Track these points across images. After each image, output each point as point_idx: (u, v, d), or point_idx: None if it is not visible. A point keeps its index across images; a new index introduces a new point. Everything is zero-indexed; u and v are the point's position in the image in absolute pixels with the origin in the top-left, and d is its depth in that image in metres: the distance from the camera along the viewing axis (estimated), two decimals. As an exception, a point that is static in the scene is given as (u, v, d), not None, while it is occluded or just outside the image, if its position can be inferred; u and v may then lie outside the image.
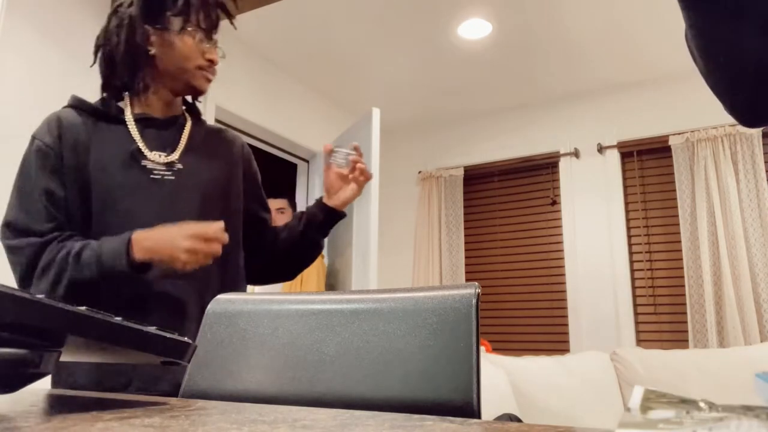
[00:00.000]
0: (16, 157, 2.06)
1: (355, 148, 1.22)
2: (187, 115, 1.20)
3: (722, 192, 3.16)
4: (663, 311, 3.32)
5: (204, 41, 1.13)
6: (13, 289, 0.34)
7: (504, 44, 3.13)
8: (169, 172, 1.08)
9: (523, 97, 3.82)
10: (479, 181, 4.04)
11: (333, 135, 3.77)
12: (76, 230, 1.02)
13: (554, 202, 3.74)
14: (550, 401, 2.12)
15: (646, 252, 3.41)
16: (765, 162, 3.15)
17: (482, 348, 2.92)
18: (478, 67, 3.40)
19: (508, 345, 3.70)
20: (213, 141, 1.20)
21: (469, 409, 0.53)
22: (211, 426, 0.34)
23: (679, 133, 3.35)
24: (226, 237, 0.98)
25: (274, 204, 3.02)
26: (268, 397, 0.62)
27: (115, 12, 1.13)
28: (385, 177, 4.36)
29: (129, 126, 1.09)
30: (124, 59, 1.10)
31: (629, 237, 3.48)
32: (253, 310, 0.70)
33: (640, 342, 3.34)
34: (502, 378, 2.06)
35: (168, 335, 0.44)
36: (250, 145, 2.40)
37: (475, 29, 2.98)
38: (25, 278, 1.00)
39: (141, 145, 1.07)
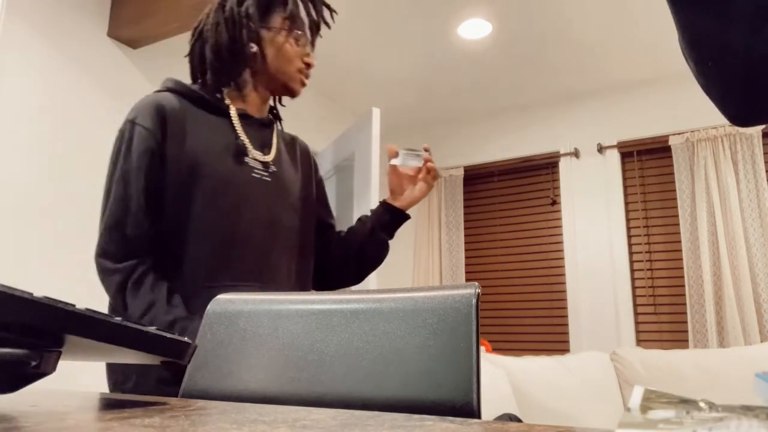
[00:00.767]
0: (17, 158, 2.06)
1: (426, 149, 1.23)
2: (272, 118, 1.22)
3: (722, 192, 3.16)
4: (663, 311, 3.32)
5: (307, 45, 1.15)
6: (13, 289, 0.34)
7: (504, 44, 3.14)
8: (266, 173, 1.10)
9: (523, 97, 3.82)
10: (479, 181, 4.04)
11: (333, 135, 3.77)
12: (169, 225, 0.99)
13: (554, 202, 3.74)
14: (550, 401, 2.12)
15: (646, 252, 3.41)
16: (765, 162, 3.15)
17: (482, 348, 2.92)
18: (478, 67, 3.40)
19: (508, 345, 3.70)
20: (292, 148, 1.22)
21: (469, 409, 0.53)
22: (211, 426, 0.34)
23: (679, 133, 3.35)
24: None
25: None
26: (268, 397, 0.62)
27: (221, 6, 1.10)
28: (385, 177, 4.36)
29: (234, 120, 1.09)
30: (230, 54, 1.09)
31: (629, 237, 3.48)
32: (253, 310, 0.70)
33: (640, 342, 3.34)
34: (502, 378, 2.06)
35: (168, 335, 0.44)
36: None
37: (475, 29, 2.98)
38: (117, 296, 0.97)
39: (245, 140, 1.08)
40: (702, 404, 0.27)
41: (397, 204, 1.23)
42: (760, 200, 3.08)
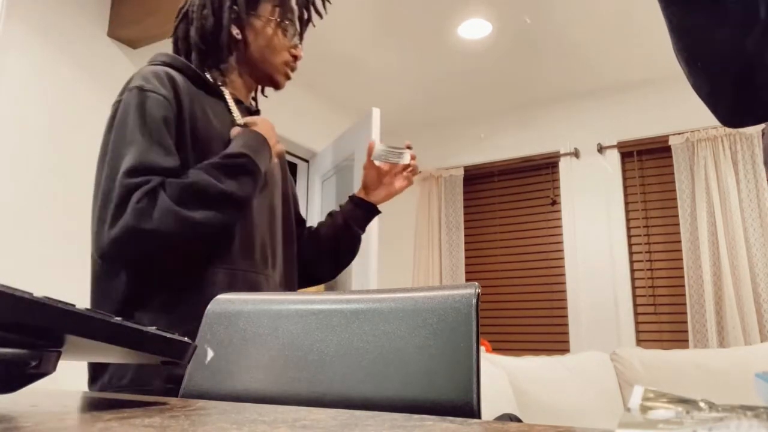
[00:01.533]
0: (17, 157, 2.06)
1: (408, 147, 1.23)
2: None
3: (722, 192, 3.16)
4: (663, 311, 3.32)
5: (295, 36, 1.12)
6: (13, 289, 0.34)
7: (504, 44, 3.13)
8: None
9: (523, 97, 3.82)
10: (479, 181, 4.04)
11: (333, 135, 3.77)
12: None
13: (554, 202, 3.74)
14: (550, 401, 2.12)
15: (646, 252, 3.41)
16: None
17: (482, 348, 2.92)
18: (478, 67, 3.40)
19: (508, 345, 3.70)
20: None
21: (469, 409, 0.53)
22: (211, 426, 0.34)
23: (679, 133, 3.35)
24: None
25: None
26: (268, 397, 0.62)
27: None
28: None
29: (229, 103, 1.07)
30: (214, 38, 1.06)
31: (629, 237, 3.48)
32: (253, 310, 0.70)
33: (640, 342, 3.34)
34: (502, 378, 2.06)
35: (168, 335, 0.44)
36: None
37: (475, 29, 2.98)
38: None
39: (242, 123, 1.06)
40: (702, 404, 0.27)
41: (371, 199, 1.23)
42: (760, 200, 3.08)
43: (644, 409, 0.27)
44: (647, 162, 3.51)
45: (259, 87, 1.19)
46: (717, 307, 3.07)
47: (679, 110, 3.40)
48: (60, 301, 0.36)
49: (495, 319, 3.79)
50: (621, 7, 2.79)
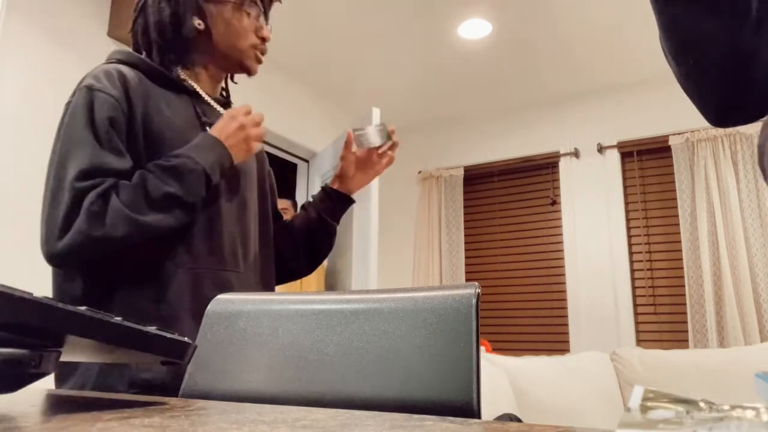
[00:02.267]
0: (17, 158, 2.06)
1: (383, 126, 1.18)
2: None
3: (722, 192, 3.16)
4: (663, 311, 3.32)
5: (260, 17, 1.07)
6: (13, 289, 0.34)
7: (504, 44, 3.13)
8: None
9: (523, 97, 3.82)
10: (479, 181, 4.04)
11: (333, 135, 3.77)
12: None
13: (554, 202, 3.74)
14: (550, 401, 2.12)
15: (646, 252, 3.41)
16: (765, 162, 3.15)
17: (482, 348, 2.92)
18: (478, 67, 3.40)
19: (508, 345, 3.70)
20: None
21: (469, 409, 0.53)
22: (211, 426, 0.34)
23: (679, 133, 3.35)
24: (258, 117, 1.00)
25: (279, 204, 3.02)
26: (268, 397, 0.62)
27: None
28: (385, 177, 4.36)
29: (203, 96, 1.04)
30: (173, 31, 1.01)
31: (629, 237, 3.48)
32: (253, 310, 0.70)
33: (640, 342, 3.34)
34: (502, 378, 2.06)
35: (168, 335, 0.44)
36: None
37: (475, 29, 2.98)
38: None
39: (206, 119, 1.02)
40: (702, 404, 0.27)
41: (350, 187, 1.19)
42: (760, 200, 3.08)
43: (644, 409, 0.27)
44: (647, 162, 3.51)
45: (229, 75, 1.15)
46: (717, 307, 3.07)
47: (679, 110, 3.40)
48: (60, 301, 0.36)
49: (495, 319, 3.79)
50: (621, 8, 2.79)
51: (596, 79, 3.54)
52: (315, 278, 2.92)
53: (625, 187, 3.55)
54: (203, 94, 1.04)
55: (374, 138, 1.17)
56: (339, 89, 3.68)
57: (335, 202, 1.18)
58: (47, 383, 1.53)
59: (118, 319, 0.40)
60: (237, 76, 1.19)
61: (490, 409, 1.81)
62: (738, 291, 3.02)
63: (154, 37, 1.01)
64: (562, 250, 3.65)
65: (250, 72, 1.08)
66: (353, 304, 0.65)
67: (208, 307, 0.73)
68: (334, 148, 3.09)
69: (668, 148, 3.41)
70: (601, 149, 3.59)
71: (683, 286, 3.26)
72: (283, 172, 4.14)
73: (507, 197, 3.92)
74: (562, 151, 3.74)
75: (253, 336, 0.67)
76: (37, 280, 2.08)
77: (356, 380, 0.59)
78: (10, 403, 0.44)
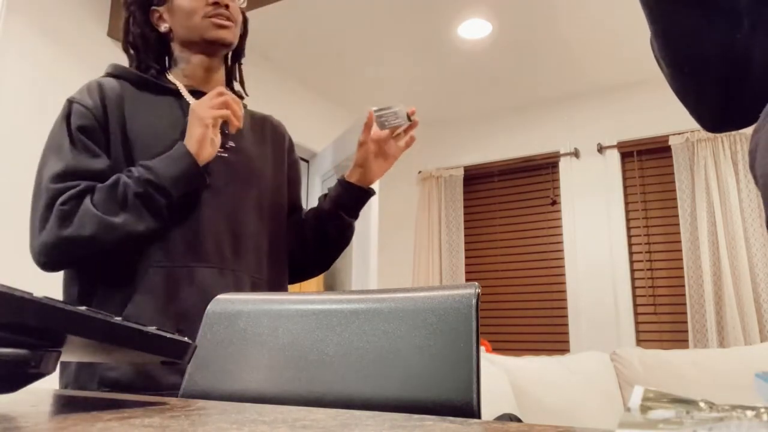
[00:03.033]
0: (17, 158, 2.06)
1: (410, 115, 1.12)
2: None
3: (722, 192, 3.16)
4: (663, 311, 3.32)
5: None
6: (13, 289, 0.34)
7: (504, 44, 3.13)
8: (222, 149, 1.03)
9: (523, 97, 3.82)
10: (479, 181, 4.04)
11: (333, 135, 3.77)
12: None
13: (554, 202, 3.74)
14: (550, 401, 2.12)
15: (646, 252, 3.41)
16: (765, 162, 3.15)
17: (482, 348, 2.92)
18: (478, 67, 3.40)
19: (508, 345, 3.70)
20: (261, 125, 1.16)
21: (469, 409, 0.53)
22: (211, 426, 0.34)
23: (679, 133, 3.35)
24: (230, 98, 0.97)
25: None
26: (268, 397, 0.62)
27: (124, 3, 1.09)
28: (385, 177, 4.36)
29: (183, 93, 1.04)
30: (146, 47, 1.07)
31: (629, 237, 3.48)
32: (253, 310, 0.70)
33: (640, 342, 3.34)
34: (502, 378, 2.06)
35: (168, 335, 0.44)
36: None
37: (475, 29, 2.98)
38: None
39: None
40: (702, 404, 0.27)
41: (370, 175, 1.12)
42: (760, 200, 3.08)
43: (644, 409, 0.27)
44: (647, 162, 3.51)
45: (233, 63, 1.17)
46: (717, 307, 3.07)
47: (679, 110, 3.40)
48: (60, 301, 0.36)
49: (495, 319, 3.79)
50: (621, 8, 2.79)
51: (596, 79, 3.54)
52: (321, 278, 2.92)
53: (625, 187, 3.55)
54: (183, 92, 1.05)
55: (396, 119, 1.10)
56: (339, 89, 3.68)
57: (355, 195, 1.13)
58: (47, 383, 1.53)
59: (118, 319, 0.40)
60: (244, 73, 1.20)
61: (490, 409, 1.81)
62: (738, 291, 3.02)
63: (137, 45, 1.07)
64: (562, 251, 3.65)
65: (218, 42, 1.05)
66: (353, 304, 0.65)
67: (208, 306, 0.73)
68: (334, 148, 3.09)
69: (668, 148, 3.41)
70: (601, 149, 3.59)
71: (683, 286, 3.26)
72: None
73: (507, 197, 3.92)
74: (562, 151, 3.74)
75: (253, 336, 0.67)
76: (37, 280, 2.08)
77: (356, 380, 0.59)
78: (10, 403, 0.44)
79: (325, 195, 1.16)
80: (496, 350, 3.59)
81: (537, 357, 2.42)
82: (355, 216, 1.15)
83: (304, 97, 3.60)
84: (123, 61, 1.10)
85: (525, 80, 3.56)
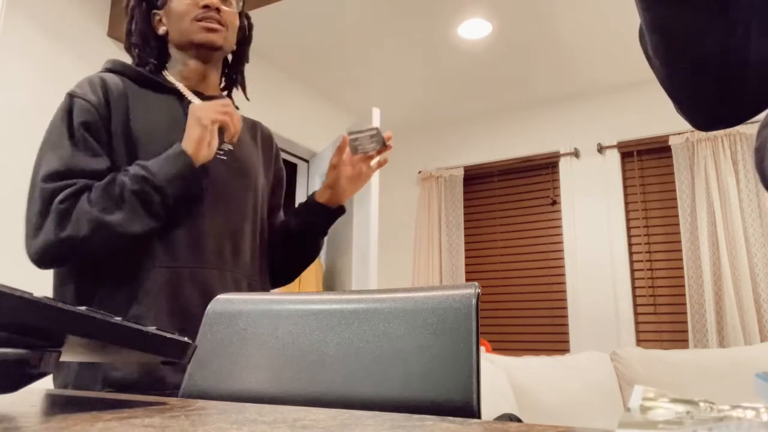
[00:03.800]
0: (17, 158, 2.06)
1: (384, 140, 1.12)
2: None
3: (722, 192, 3.16)
4: (663, 311, 3.32)
5: None
6: (13, 289, 0.34)
7: (504, 44, 3.13)
8: (221, 151, 1.04)
9: (523, 97, 3.82)
10: (479, 181, 4.04)
11: (333, 135, 3.77)
12: None
13: (554, 202, 3.74)
14: (550, 401, 2.12)
15: (646, 252, 3.41)
16: (765, 162, 3.15)
17: (482, 348, 2.92)
18: (478, 67, 3.40)
19: (508, 345, 3.70)
20: (252, 131, 1.16)
21: (469, 409, 0.53)
22: (211, 426, 0.34)
23: (679, 133, 3.35)
24: (230, 108, 0.97)
25: None
26: (268, 397, 0.62)
27: (126, 6, 1.10)
28: (385, 177, 4.36)
29: (184, 92, 1.05)
30: (147, 48, 1.08)
31: (629, 237, 3.48)
32: (253, 310, 0.70)
33: (640, 342, 3.34)
34: (502, 378, 2.06)
35: (168, 335, 0.44)
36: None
37: (475, 29, 2.98)
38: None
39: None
40: (702, 404, 0.27)
41: (336, 199, 1.12)
42: (760, 200, 3.08)
43: (644, 409, 0.27)
44: (647, 162, 3.51)
45: (233, 64, 1.18)
46: (717, 307, 3.07)
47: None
48: (60, 301, 0.36)
49: (495, 319, 3.79)
50: (621, 8, 2.79)
51: (596, 79, 3.54)
52: (314, 278, 2.92)
53: (625, 187, 3.55)
54: (184, 91, 1.05)
55: (370, 144, 1.11)
56: (339, 89, 3.69)
57: (324, 215, 1.14)
58: (47, 383, 1.53)
59: (118, 319, 0.40)
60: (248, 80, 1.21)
61: (490, 409, 1.81)
62: (738, 291, 3.02)
63: (137, 43, 1.08)
64: (562, 250, 3.65)
65: (206, 46, 1.05)
66: (353, 304, 0.65)
67: (208, 306, 0.73)
68: (334, 148, 3.09)
69: (668, 148, 3.41)
70: (601, 149, 3.59)
71: (683, 286, 3.26)
72: (283, 172, 4.13)
73: (507, 197, 3.92)
74: (562, 151, 3.74)
75: (253, 336, 0.67)
76: (37, 280, 2.08)
77: (356, 380, 0.59)
78: (10, 403, 0.44)
79: (296, 210, 1.17)
80: (496, 350, 3.59)
81: (537, 357, 2.42)
82: (325, 233, 1.17)
83: (304, 97, 3.60)
84: (122, 59, 1.10)
85: (525, 80, 3.56)
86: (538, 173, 3.85)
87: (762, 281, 3.01)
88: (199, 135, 0.94)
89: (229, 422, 0.35)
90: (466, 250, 3.96)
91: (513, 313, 3.74)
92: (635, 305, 3.39)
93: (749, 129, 3.18)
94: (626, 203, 3.52)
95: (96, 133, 0.94)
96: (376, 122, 2.67)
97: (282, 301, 0.70)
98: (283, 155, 3.58)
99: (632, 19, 2.88)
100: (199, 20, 1.04)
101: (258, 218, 1.09)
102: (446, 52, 3.22)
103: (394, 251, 4.22)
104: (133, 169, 0.91)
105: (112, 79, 1.00)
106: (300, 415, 0.40)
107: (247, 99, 1.23)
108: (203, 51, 1.07)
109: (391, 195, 4.31)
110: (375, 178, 2.71)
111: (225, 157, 1.04)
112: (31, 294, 0.35)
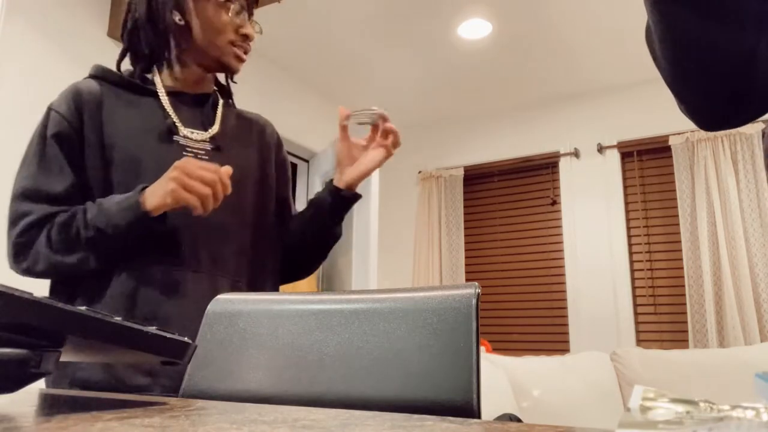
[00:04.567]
0: (17, 159, 2.06)
1: (382, 116, 1.06)
2: (218, 95, 1.12)
3: (722, 192, 3.16)
4: (663, 311, 3.32)
5: (241, 13, 1.03)
6: (13, 289, 0.34)
7: (504, 44, 3.13)
8: (203, 152, 1.01)
9: (524, 97, 3.82)
10: (479, 181, 4.04)
11: (333, 135, 3.77)
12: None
13: (554, 202, 3.74)
14: (550, 401, 2.12)
15: (646, 252, 3.41)
16: (765, 162, 3.15)
17: (482, 348, 2.92)
18: (478, 67, 3.40)
19: (508, 345, 3.70)
20: (246, 126, 1.12)
21: (469, 409, 0.53)
22: (211, 426, 0.34)
23: (679, 133, 3.35)
24: (224, 176, 0.89)
25: None
26: (268, 397, 0.62)
27: None
28: (385, 177, 4.36)
29: (161, 98, 1.01)
30: (151, 27, 1.00)
31: (629, 237, 3.48)
32: (253, 310, 0.70)
33: (640, 342, 3.34)
34: (502, 378, 2.06)
35: (168, 335, 0.44)
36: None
37: (475, 29, 2.98)
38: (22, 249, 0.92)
39: (174, 119, 1.00)
40: (702, 404, 0.27)
41: (346, 178, 1.07)
42: (760, 200, 3.08)
43: (644, 409, 0.27)
44: (647, 162, 3.51)
45: (228, 75, 1.12)
46: (717, 307, 3.07)
47: (679, 110, 3.39)
48: (60, 301, 0.36)
49: (495, 319, 3.79)
50: (621, 8, 2.79)
51: (596, 79, 3.54)
52: (314, 278, 2.92)
53: (625, 187, 3.55)
54: (162, 94, 1.01)
55: (363, 118, 1.06)
56: (339, 89, 3.68)
57: (339, 201, 1.08)
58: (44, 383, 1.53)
59: (118, 319, 0.40)
60: (237, 76, 1.16)
61: (490, 409, 1.81)
62: (738, 291, 3.02)
63: (128, 40, 1.03)
64: (562, 250, 3.65)
65: (230, 70, 1.05)
66: (353, 304, 0.65)
67: (209, 306, 0.73)
68: (334, 148, 3.09)
69: (668, 148, 3.41)
70: (601, 149, 3.59)
71: (683, 286, 3.26)
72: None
73: (507, 197, 3.92)
74: (562, 151, 3.74)
75: (253, 336, 0.67)
76: (36, 280, 2.08)
77: (356, 380, 0.59)
78: (10, 403, 0.44)
79: (312, 201, 1.13)
80: (496, 350, 3.59)
81: (537, 357, 2.42)
82: (338, 220, 1.12)
83: (304, 97, 3.60)
84: (123, 62, 1.08)
85: (525, 80, 3.56)
86: (538, 173, 3.85)
87: (762, 281, 3.01)
88: (169, 192, 0.87)
89: (229, 422, 0.35)
90: (466, 250, 3.96)
91: (513, 313, 3.74)
92: (635, 305, 3.39)
93: (749, 129, 3.18)
94: (626, 203, 3.52)
95: (68, 144, 0.95)
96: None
97: (282, 301, 0.70)
98: (283, 155, 3.58)
99: (632, 20, 2.88)
100: (235, 45, 1.03)
101: (249, 216, 1.05)
102: (446, 52, 3.22)
103: (394, 251, 4.22)
104: (91, 212, 0.90)
105: (89, 86, 0.99)
106: (300, 415, 0.40)
107: (234, 107, 1.17)
108: (220, 70, 1.06)
109: (391, 195, 4.31)
110: (375, 178, 2.71)
111: (206, 157, 1.01)
112: (31, 294, 0.35)
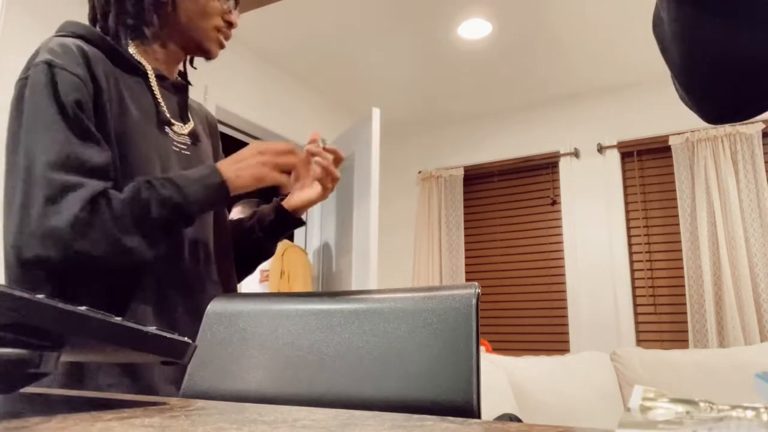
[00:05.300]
0: (16, 157, 2.06)
1: (332, 150, 1.04)
2: (188, 82, 1.06)
3: (722, 192, 3.16)
4: (663, 311, 3.32)
5: (229, 1, 1.01)
6: (13, 288, 0.34)
7: (504, 44, 3.14)
8: (185, 146, 0.97)
9: (523, 97, 3.82)
10: (479, 181, 4.04)
11: (333, 135, 3.77)
12: None
13: (554, 202, 3.74)
14: (550, 401, 2.12)
15: (646, 252, 3.42)
16: (765, 162, 3.15)
17: (482, 348, 2.92)
18: (478, 67, 3.40)
19: (508, 345, 3.70)
20: (201, 117, 1.09)
21: (469, 409, 0.53)
22: (211, 426, 0.34)
23: (679, 133, 3.35)
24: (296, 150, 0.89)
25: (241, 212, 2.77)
26: (268, 397, 0.62)
27: None
28: (385, 177, 4.36)
29: (151, 81, 0.95)
30: (126, 6, 0.93)
31: (629, 237, 3.48)
32: (253, 310, 0.70)
33: (640, 342, 3.34)
34: (502, 378, 2.06)
35: (168, 335, 0.44)
36: (246, 144, 2.38)
37: (475, 29, 2.99)
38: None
39: (164, 107, 0.94)
40: (702, 404, 0.27)
41: (291, 202, 1.06)
42: (760, 200, 3.08)
43: (644, 409, 0.27)
44: (647, 162, 3.52)
45: (188, 57, 1.06)
46: (717, 307, 3.07)
47: (679, 110, 3.40)
48: (60, 301, 0.36)
49: (495, 319, 3.79)
50: (621, 8, 2.79)
51: (596, 79, 3.54)
52: (301, 276, 2.90)
53: (625, 187, 3.55)
54: (152, 78, 0.95)
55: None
56: (339, 89, 3.69)
57: (284, 223, 1.08)
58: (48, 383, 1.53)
59: (118, 319, 0.40)
60: (232, 77, 1.15)
61: (490, 409, 1.81)
62: (738, 291, 3.02)
63: (112, 2, 0.93)
64: (562, 250, 3.65)
65: (209, 55, 1.01)
66: (353, 304, 0.65)
67: (209, 306, 0.73)
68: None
69: (668, 148, 3.41)
70: (601, 149, 3.60)
71: (683, 286, 3.26)
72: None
73: (507, 197, 3.92)
74: (562, 151, 3.74)
75: (253, 336, 0.67)
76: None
77: (356, 380, 0.59)
78: (10, 403, 0.44)
79: (255, 211, 1.11)
80: (496, 350, 3.59)
81: (537, 357, 2.42)
82: (275, 239, 1.10)
83: (304, 97, 3.60)
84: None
85: (525, 80, 3.56)
86: (538, 173, 3.85)
87: (762, 281, 3.01)
88: (263, 175, 0.86)
89: (229, 422, 0.35)
90: (466, 250, 3.96)
91: (513, 313, 3.74)
92: (635, 305, 3.39)
93: (749, 129, 3.18)
94: (626, 203, 3.52)
95: (88, 113, 0.81)
96: (376, 122, 2.67)
97: (282, 301, 0.70)
98: (283, 155, 3.58)
99: (632, 20, 2.88)
100: (219, 31, 1.00)
101: (216, 216, 1.02)
102: (446, 52, 3.22)
103: (394, 251, 4.22)
104: (167, 189, 0.80)
105: (90, 50, 0.85)
106: (300, 415, 0.40)
107: (190, 84, 1.09)
108: (197, 53, 1.02)
109: (391, 195, 4.32)
110: (375, 178, 2.71)
111: (188, 152, 0.97)
112: (31, 294, 0.35)
